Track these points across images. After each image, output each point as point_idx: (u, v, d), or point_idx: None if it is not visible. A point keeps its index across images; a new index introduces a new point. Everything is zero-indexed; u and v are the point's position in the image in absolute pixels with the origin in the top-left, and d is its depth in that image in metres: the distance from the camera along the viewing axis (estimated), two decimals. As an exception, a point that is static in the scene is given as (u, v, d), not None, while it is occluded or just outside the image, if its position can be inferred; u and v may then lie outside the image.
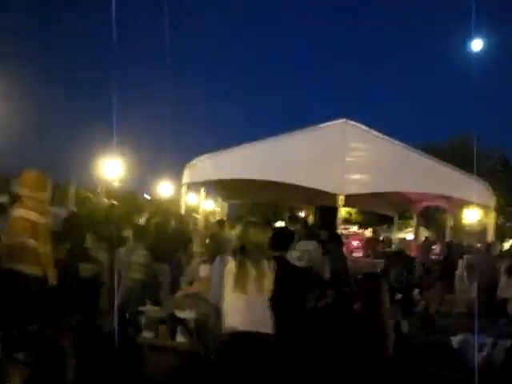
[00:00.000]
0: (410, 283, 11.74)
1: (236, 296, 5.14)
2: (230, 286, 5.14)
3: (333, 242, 11.91)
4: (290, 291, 5.99)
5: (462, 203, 18.39)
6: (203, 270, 6.43)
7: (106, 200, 18.01)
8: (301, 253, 10.62)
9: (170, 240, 10.00)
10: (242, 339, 5.09)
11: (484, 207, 16.55)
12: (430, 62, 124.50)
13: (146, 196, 45.43)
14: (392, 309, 7.10)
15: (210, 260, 6.31)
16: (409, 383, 7.33)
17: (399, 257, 12.60)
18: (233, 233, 8.51)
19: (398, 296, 9.42)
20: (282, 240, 6.50)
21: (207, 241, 8.13)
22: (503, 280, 13.78)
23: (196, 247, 10.63)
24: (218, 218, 17.14)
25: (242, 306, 5.16)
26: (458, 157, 31.84)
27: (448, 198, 17.06)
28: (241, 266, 5.20)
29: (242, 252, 5.28)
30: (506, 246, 35.57)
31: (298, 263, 10.04)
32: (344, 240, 16.33)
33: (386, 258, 14.56)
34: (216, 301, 5.29)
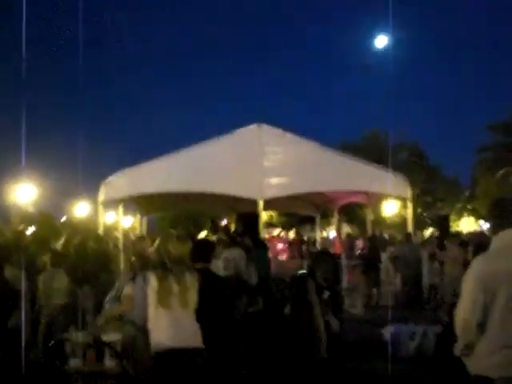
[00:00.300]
0: (336, 281, 11.78)
1: (160, 312, 4.99)
2: (153, 302, 4.99)
3: (258, 248, 11.88)
4: (215, 301, 5.88)
5: (381, 197, 18.74)
6: (128, 289, 6.22)
7: (19, 227, 17.35)
8: (225, 261, 10.53)
9: (90, 262, 9.69)
10: (171, 356, 4.94)
11: (401, 199, 16.92)
12: (336, 59, 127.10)
13: (63, 218, 44.33)
14: (321, 308, 7.08)
15: (137, 278, 6.11)
16: (345, 381, 7.34)
17: (324, 256, 12.64)
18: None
19: (326, 295, 9.40)
20: (203, 251, 6.38)
21: (133, 259, 7.90)
22: (426, 267, 14.13)
23: (123, 265, 10.38)
24: (138, 234, 16.83)
25: (168, 323, 5.01)
26: (372, 152, 32.63)
27: (367, 193, 17.33)
28: (162, 281, 5.05)
29: (163, 267, 5.13)
30: (426, 234, 36.69)
31: (223, 272, 9.95)
32: (268, 244, 16.35)
33: (310, 258, 14.62)
34: (141, 320, 5.11)
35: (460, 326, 4.14)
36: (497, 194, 37.24)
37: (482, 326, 4.02)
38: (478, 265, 4.13)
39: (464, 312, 4.11)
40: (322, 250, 13.03)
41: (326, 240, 29.07)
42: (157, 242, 5.43)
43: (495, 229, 4.16)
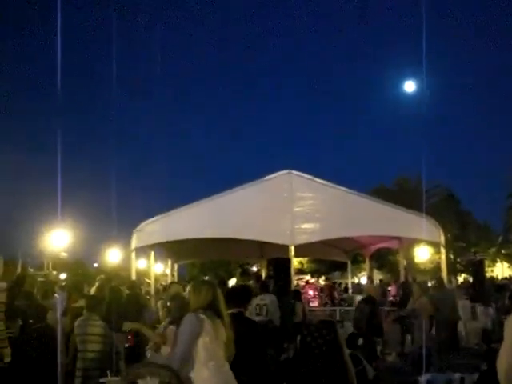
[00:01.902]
0: (371, 327, 11.65)
1: (207, 360, 4.87)
2: (203, 348, 4.86)
3: (290, 295, 11.84)
4: (249, 348, 5.81)
5: (413, 242, 18.57)
6: (169, 333, 6.20)
7: (54, 273, 17.60)
8: (258, 307, 10.50)
9: (124, 307, 9.75)
10: None
11: (434, 244, 16.75)
12: (367, 104, 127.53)
13: (95, 265, 44.65)
14: (355, 355, 6.98)
15: (177, 321, 6.07)
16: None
17: (361, 303, 12.51)
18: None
19: (360, 341, 9.29)
20: (239, 297, 6.36)
21: (169, 303, 7.90)
22: (462, 312, 13.84)
23: (161, 311, 10.39)
24: (171, 281, 16.89)
25: (214, 372, 4.88)
26: (403, 197, 32.43)
27: (398, 239, 17.18)
28: (215, 325, 4.99)
29: (213, 311, 5.04)
30: (460, 280, 36.10)
31: (256, 318, 9.90)
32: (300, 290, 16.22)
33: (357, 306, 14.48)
34: (181, 365, 4.98)
35: (504, 373, 3.84)
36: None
37: None
38: None
39: (508, 357, 3.83)
40: (365, 297, 12.79)
41: (357, 286, 28.81)
42: (189, 287, 5.40)
43: None
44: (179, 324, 5.52)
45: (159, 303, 11.80)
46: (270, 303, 10.81)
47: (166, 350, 6.10)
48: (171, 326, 6.14)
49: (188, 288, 5.58)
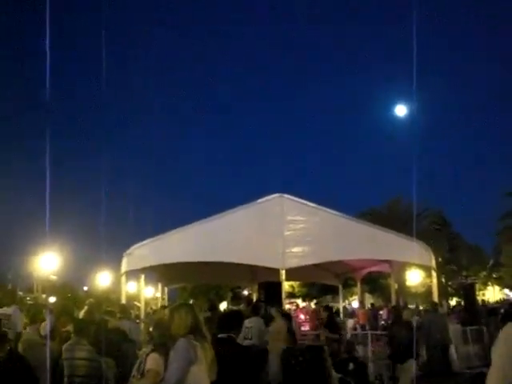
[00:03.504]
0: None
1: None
2: (199, 374, 4.79)
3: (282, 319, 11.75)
4: (240, 372, 5.76)
5: (404, 265, 18.55)
6: (151, 361, 6.07)
7: (43, 296, 17.43)
8: (247, 330, 10.42)
9: (113, 332, 9.62)
10: None
11: (425, 267, 16.75)
12: (357, 126, 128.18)
13: (85, 288, 44.36)
14: (345, 380, 6.94)
15: (159, 349, 5.97)
16: None
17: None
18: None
19: (350, 366, 9.24)
20: (230, 321, 6.33)
21: (151, 329, 7.80)
22: (454, 336, 13.79)
23: (143, 336, 10.27)
24: (160, 304, 16.77)
25: None
26: (394, 220, 32.44)
27: (389, 262, 17.17)
28: (205, 349, 4.91)
29: (197, 333, 4.98)
30: (451, 304, 36.07)
31: (245, 342, 9.82)
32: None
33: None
34: None
35: None
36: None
37: None
38: (507, 333, 3.91)
39: (496, 381, 3.83)
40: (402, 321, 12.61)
41: (345, 309, 28.74)
42: (167, 312, 5.32)
43: None
44: (161, 351, 5.46)
45: (142, 327, 11.69)
46: (254, 326, 10.72)
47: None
48: (153, 354, 6.04)
49: (166, 313, 5.48)
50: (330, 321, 12.90)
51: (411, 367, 11.13)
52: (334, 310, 29.28)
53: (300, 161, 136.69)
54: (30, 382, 6.67)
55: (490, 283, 50.37)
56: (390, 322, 17.87)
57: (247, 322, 10.73)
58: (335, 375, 6.75)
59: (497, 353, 3.91)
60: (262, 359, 9.21)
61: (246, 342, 10.28)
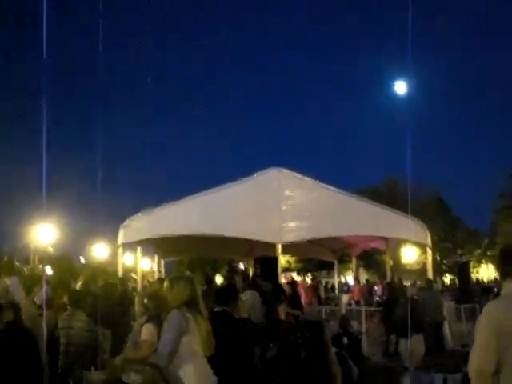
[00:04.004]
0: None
1: (189, 357, 4.84)
2: (186, 347, 4.83)
3: (275, 293, 11.79)
4: (235, 346, 5.80)
5: (400, 242, 18.62)
6: (145, 332, 6.12)
7: (40, 267, 17.46)
8: (240, 304, 10.48)
9: (111, 303, 9.67)
10: None
11: (421, 245, 16.79)
12: (356, 103, 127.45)
13: (81, 259, 44.50)
14: (340, 354, 6.99)
15: (153, 320, 6.01)
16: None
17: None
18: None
19: (345, 341, 9.33)
20: (225, 295, 6.37)
21: (145, 300, 7.83)
22: (448, 314, 13.89)
23: (137, 308, 10.30)
24: (157, 277, 16.82)
25: (197, 369, 4.86)
26: (391, 198, 32.53)
27: (385, 239, 17.23)
28: (197, 322, 4.94)
29: (193, 306, 5.00)
30: (445, 281, 36.28)
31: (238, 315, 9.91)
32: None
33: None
34: (168, 363, 4.91)
35: (474, 375, 3.84)
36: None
37: (496, 375, 3.75)
38: (489, 310, 3.96)
39: (478, 360, 3.83)
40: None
41: (340, 285, 28.94)
42: (166, 283, 5.32)
43: (506, 275, 4.08)
44: (156, 322, 5.48)
45: (136, 298, 11.70)
46: (250, 299, 10.77)
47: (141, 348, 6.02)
48: (147, 324, 6.07)
49: (165, 284, 5.47)
50: (293, 297, 12.87)
51: (419, 342, 11.35)
52: (329, 286, 29.66)
53: (299, 138, 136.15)
54: (33, 354, 6.70)
55: (484, 262, 50.66)
56: (384, 298, 18.01)
57: (242, 296, 10.80)
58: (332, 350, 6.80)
59: (479, 330, 3.93)
60: (260, 334, 9.28)
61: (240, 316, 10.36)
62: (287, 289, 13.01)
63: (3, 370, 6.25)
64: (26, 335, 6.76)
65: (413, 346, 11.19)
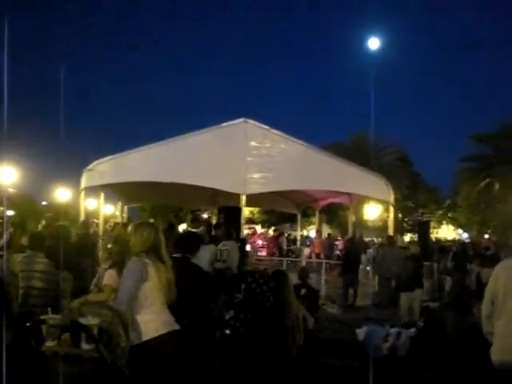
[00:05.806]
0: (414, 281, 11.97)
1: (149, 303, 4.84)
2: (146, 291, 4.82)
3: (239, 243, 11.90)
4: (193, 292, 5.82)
5: (363, 199, 18.79)
6: (107, 277, 6.09)
7: (0, 209, 17.19)
8: (219, 252, 10.59)
9: (72, 247, 9.60)
10: (163, 341, 4.82)
11: (383, 202, 16.97)
12: (327, 60, 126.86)
13: (44, 202, 44.01)
14: (297, 304, 7.11)
15: (117, 265, 5.98)
16: (317, 377, 7.37)
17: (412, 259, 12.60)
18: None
19: (303, 291, 9.44)
20: (188, 242, 6.37)
21: (109, 245, 7.78)
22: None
23: (102, 253, 10.27)
24: (116, 221, 16.73)
25: (156, 315, 4.86)
26: (358, 154, 32.64)
27: (349, 195, 17.37)
28: (158, 269, 4.91)
29: (154, 252, 4.97)
30: (405, 240, 36.89)
31: (217, 264, 10.10)
32: (249, 240, 16.33)
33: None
34: (126, 308, 4.90)
35: (482, 319, 4.97)
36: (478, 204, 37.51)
37: (490, 318, 4.86)
38: (498, 268, 4.94)
39: (484, 306, 4.94)
40: (409, 255, 12.78)
41: (302, 238, 29.21)
42: (131, 228, 5.27)
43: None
44: (120, 268, 5.45)
45: (100, 244, 11.66)
46: (231, 249, 10.86)
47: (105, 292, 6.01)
48: (110, 270, 6.05)
49: (129, 229, 5.42)
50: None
51: (418, 295, 11.78)
52: (291, 238, 29.92)
53: (267, 91, 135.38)
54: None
55: (444, 222, 51.57)
56: (343, 252, 18.25)
57: (221, 245, 10.87)
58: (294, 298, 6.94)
59: (487, 288, 4.94)
60: (237, 282, 9.35)
61: (219, 264, 10.43)
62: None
63: None
64: None
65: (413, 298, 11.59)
